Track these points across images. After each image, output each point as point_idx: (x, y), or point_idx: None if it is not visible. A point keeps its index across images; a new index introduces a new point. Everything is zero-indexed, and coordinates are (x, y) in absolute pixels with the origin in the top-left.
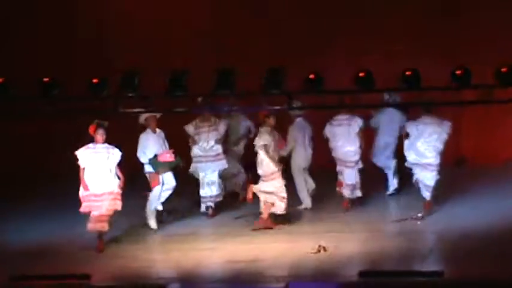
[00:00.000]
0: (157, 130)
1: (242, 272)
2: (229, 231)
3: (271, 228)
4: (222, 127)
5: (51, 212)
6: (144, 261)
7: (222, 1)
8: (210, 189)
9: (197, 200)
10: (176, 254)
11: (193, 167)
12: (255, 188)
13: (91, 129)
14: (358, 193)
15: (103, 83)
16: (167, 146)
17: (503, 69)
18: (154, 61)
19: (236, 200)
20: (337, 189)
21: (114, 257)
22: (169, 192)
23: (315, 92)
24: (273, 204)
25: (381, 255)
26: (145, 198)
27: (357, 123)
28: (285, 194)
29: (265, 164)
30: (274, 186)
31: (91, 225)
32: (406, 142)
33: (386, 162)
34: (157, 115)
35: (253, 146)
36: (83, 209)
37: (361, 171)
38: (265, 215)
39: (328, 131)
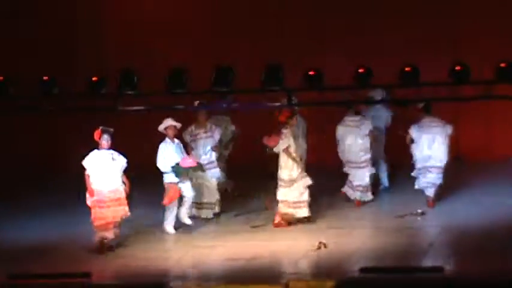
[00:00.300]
0: (176, 140)
1: (242, 269)
2: (229, 229)
3: (289, 225)
4: (217, 134)
5: (50, 210)
6: (144, 259)
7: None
8: (208, 196)
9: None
10: (176, 252)
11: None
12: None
13: (96, 135)
14: (369, 196)
15: (102, 81)
16: (185, 155)
17: (502, 65)
18: (154, 59)
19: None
20: (342, 190)
21: (114, 255)
22: (190, 201)
23: (315, 89)
24: (285, 214)
25: (382, 252)
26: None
27: (367, 124)
28: (305, 198)
29: (289, 167)
30: (295, 191)
31: (99, 234)
32: (413, 148)
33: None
34: (178, 125)
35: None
36: (94, 215)
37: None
38: (278, 219)
39: (340, 131)
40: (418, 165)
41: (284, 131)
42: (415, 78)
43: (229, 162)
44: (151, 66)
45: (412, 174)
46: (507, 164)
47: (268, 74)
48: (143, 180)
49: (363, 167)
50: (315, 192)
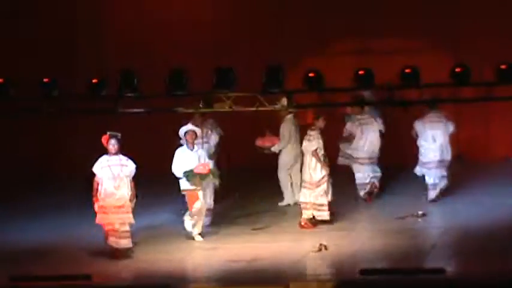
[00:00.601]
0: (196, 147)
1: (243, 271)
2: (230, 231)
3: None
4: (212, 140)
5: (51, 212)
6: (145, 261)
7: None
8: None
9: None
10: (177, 254)
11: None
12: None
13: (104, 140)
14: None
15: (102, 83)
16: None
17: (503, 67)
18: (154, 60)
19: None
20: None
21: (114, 257)
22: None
23: (315, 91)
24: (312, 215)
25: (382, 253)
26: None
27: (379, 123)
28: (326, 200)
29: (317, 170)
30: (317, 194)
31: (110, 240)
32: (419, 144)
33: None
34: (198, 131)
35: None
36: (98, 220)
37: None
38: (302, 221)
39: (352, 128)
40: (424, 159)
41: (311, 132)
42: (416, 79)
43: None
44: (152, 67)
45: (415, 171)
46: (507, 164)
47: (269, 76)
48: (143, 182)
49: (371, 163)
50: None
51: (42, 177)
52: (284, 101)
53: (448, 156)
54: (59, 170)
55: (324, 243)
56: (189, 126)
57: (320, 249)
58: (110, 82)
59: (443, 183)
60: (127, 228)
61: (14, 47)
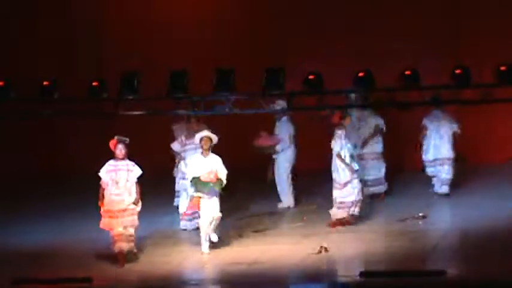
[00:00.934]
0: (211, 155)
1: (244, 274)
2: (231, 233)
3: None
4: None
5: (52, 215)
6: (145, 264)
7: (222, 1)
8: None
9: None
10: (178, 256)
11: (181, 184)
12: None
13: (111, 145)
14: (382, 188)
15: (103, 86)
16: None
17: (502, 68)
18: (154, 61)
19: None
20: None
21: (115, 260)
22: (215, 222)
23: (315, 93)
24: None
25: (383, 255)
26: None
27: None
28: (356, 198)
29: (341, 171)
30: (346, 192)
31: (117, 245)
32: (425, 142)
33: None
34: (214, 138)
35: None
36: (102, 225)
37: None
38: (333, 220)
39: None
40: (431, 157)
41: (337, 131)
42: (416, 81)
43: None
44: (152, 69)
45: (426, 171)
46: (508, 166)
47: (269, 78)
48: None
49: (377, 159)
50: (314, 196)
51: (43, 179)
52: (282, 103)
53: (451, 154)
54: (59, 173)
55: (324, 245)
56: (204, 133)
57: (320, 252)
58: (110, 84)
59: (450, 174)
60: (132, 232)
61: (14, 47)
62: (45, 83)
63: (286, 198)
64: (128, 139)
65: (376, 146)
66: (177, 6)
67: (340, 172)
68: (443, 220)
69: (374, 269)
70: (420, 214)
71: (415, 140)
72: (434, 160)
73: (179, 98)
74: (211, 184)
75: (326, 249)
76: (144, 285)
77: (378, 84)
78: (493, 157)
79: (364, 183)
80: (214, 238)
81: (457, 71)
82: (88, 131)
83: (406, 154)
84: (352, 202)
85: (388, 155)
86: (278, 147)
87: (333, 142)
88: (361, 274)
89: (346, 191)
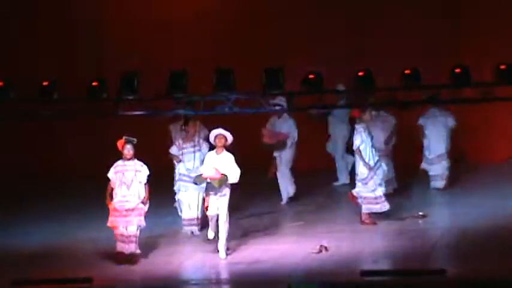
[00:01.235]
0: (224, 152)
1: (244, 273)
2: (231, 232)
3: (375, 224)
4: (205, 148)
5: (52, 216)
6: (145, 264)
7: (222, 2)
8: (190, 211)
9: None
10: (178, 257)
11: (177, 185)
12: (354, 191)
13: (119, 145)
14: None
15: (103, 86)
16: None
17: (502, 67)
18: (154, 63)
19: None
20: None
21: (115, 259)
22: (221, 221)
23: (315, 92)
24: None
25: (383, 255)
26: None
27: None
28: (379, 194)
29: (360, 167)
30: (368, 188)
31: (119, 245)
32: (425, 140)
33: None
34: (228, 136)
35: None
36: (109, 223)
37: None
38: (363, 216)
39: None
40: (429, 155)
41: (357, 126)
42: (416, 81)
43: None
44: (151, 69)
45: (422, 166)
46: (508, 165)
47: (269, 78)
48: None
49: (386, 155)
50: (316, 196)
51: (42, 180)
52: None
53: (448, 150)
54: (59, 173)
55: (324, 244)
56: (219, 131)
57: (320, 251)
58: (109, 84)
59: (447, 173)
60: (135, 232)
61: (14, 47)
62: (44, 83)
63: (292, 189)
64: (135, 139)
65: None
66: (176, 6)
67: (360, 168)
68: (442, 219)
69: (374, 268)
70: (420, 213)
71: (415, 139)
72: (432, 156)
73: (179, 97)
74: (208, 180)
75: (326, 249)
76: (144, 285)
77: (378, 83)
78: (492, 156)
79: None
80: (223, 255)
81: (457, 70)
82: (87, 131)
83: (405, 153)
84: (375, 198)
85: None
86: (288, 143)
87: (354, 137)
88: (361, 273)
89: (366, 187)
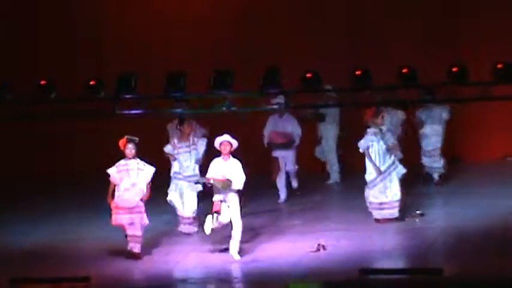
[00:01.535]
0: (231, 159)
1: (242, 272)
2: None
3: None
4: (201, 147)
5: (51, 215)
6: (144, 262)
7: (222, 2)
8: (185, 210)
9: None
10: (176, 256)
11: (171, 185)
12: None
13: (121, 144)
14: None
15: (100, 85)
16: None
17: (499, 66)
18: (152, 62)
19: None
20: None
21: (114, 259)
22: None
23: (312, 91)
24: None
25: (381, 253)
26: None
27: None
28: (387, 199)
29: (369, 168)
30: (375, 193)
31: (130, 245)
32: (421, 134)
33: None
34: (234, 143)
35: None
36: (113, 222)
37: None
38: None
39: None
40: (427, 147)
41: (368, 130)
42: (413, 80)
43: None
44: (150, 69)
45: (422, 161)
46: (505, 164)
47: (267, 77)
48: None
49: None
50: (312, 194)
51: (40, 179)
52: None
53: (442, 143)
54: (57, 172)
55: (322, 243)
56: (224, 137)
57: (318, 250)
58: (107, 83)
59: (440, 166)
60: (138, 232)
61: (13, 47)
62: (42, 82)
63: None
64: (137, 138)
65: None
66: (176, 6)
67: (368, 169)
68: (440, 218)
69: (372, 266)
70: (418, 212)
71: (413, 136)
72: (429, 148)
73: (177, 97)
74: (211, 181)
75: (324, 247)
76: (143, 284)
77: (376, 83)
78: (489, 155)
79: None
80: (237, 257)
81: (454, 69)
82: (86, 130)
83: (404, 152)
84: (380, 204)
85: None
86: (296, 140)
87: (362, 140)
88: (360, 272)
89: (373, 192)
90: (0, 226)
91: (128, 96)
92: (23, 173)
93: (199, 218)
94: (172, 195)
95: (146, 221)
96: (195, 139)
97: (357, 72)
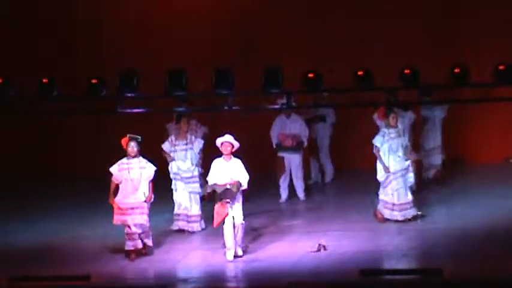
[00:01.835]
0: (233, 159)
1: (242, 272)
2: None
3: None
4: (197, 146)
5: (51, 213)
6: (143, 261)
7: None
8: (182, 209)
9: None
10: (176, 255)
11: (174, 185)
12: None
13: (123, 143)
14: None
15: (102, 83)
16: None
17: (501, 67)
18: (154, 61)
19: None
20: None
21: (114, 257)
22: (240, 233)
23: (314, 91)
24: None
25: (381, 254)
26: None
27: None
28: (394, 200)
29: (379, 169)
30: (385, 193)
31: (128, 243)
32: (425, 131)
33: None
34: (235, 144)
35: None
36: (115, 221)
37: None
38: (377, 210)
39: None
40: (427, 146)
41: (381, 131)
42: (415, 80)
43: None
44: (151, 68)
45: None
46: (506, 165)
47: (268, 77)
48: None
49: None
50: (314, 194)
51: (41, 177)
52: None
53: (432, 144)
54: (58, 170)
55: (323, 243)
56: (225, 138)
57: (319, 250)
58: (109, 82)
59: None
60: (139, 231)
61: (14, 47)
62: (44, 80)
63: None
64: (139, 137)
65: None
66: (176, 6)
67: (378, 170)
68: (441, 219)
69: (372, 267)
70: (418, 213)
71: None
72: (429, 147)
73: (178, 96)
74: (228, 186)
75: (324, 247)
76: (142, 283)
77: (377, 83)
78: (490, 157)
79: None
80: (240, 252)
81: (456, 70)
82: (87, 128)
83: None
84: (393, 204)
85: None
86: (305, 141)
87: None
88: (361, 272)
89: (385, 191)
90: (0, 224)
91: (129, 94)
92: (23, 172)
93: (196, 217)
94: (178, 195)
95: (145, 221)
96: (193, 138)
97: (359, 73)
